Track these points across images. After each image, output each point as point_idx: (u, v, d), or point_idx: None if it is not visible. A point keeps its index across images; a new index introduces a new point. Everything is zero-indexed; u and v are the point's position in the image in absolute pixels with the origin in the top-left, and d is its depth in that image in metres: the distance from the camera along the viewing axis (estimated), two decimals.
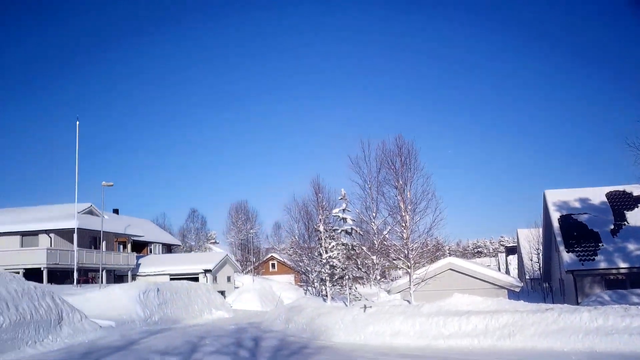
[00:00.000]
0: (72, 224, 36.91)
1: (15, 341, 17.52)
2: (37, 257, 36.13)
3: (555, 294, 39.72)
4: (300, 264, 47.55)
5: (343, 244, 27.63)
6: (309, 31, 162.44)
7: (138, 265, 48.10)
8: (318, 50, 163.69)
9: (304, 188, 59.24)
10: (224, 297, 45.21)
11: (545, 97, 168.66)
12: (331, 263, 26.41)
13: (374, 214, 37.66)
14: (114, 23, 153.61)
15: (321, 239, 27.50)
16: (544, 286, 46.66)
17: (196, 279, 45.98)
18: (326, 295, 27.83)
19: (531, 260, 53.07)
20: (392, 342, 19.19)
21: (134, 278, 46.51)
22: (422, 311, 20.32)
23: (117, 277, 45.88)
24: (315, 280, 40.62)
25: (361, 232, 37.17)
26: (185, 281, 39.77)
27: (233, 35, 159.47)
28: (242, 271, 61.29)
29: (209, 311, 36.57)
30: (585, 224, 31.96)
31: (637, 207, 32.67)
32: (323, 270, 27.63)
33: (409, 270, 24.23)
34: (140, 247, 56.29)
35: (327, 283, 27.41)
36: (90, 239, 41.59)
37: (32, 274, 33.34)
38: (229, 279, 52.29)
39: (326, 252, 26.87)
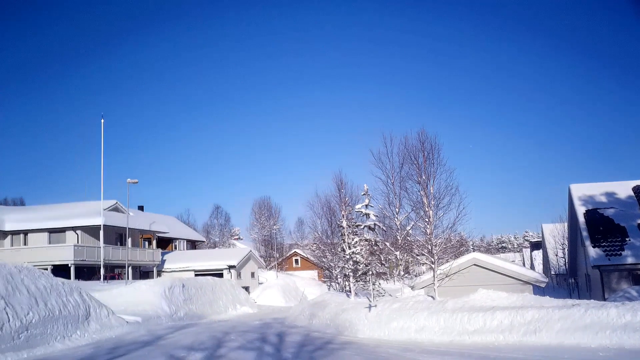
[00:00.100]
0: (99, 220, 37.43)
1: (44, 336, 17.84)
2: (65, 253, 36.71)
3: (581, 290, 39.27)
4: (324, 259, 47.64)
5: (366, 240, 27.52)
6: (330, 26, 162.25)
7: (163, 261, 48.60)
8: (339, 46, 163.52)
9: (326, 184, 59.34)
10: (248, 292, 45.48)
11: (571, 91, 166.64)
12: (354, 259, 26.38)
13: (396, 210, 37.52)
14: (143, 18, 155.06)
15: (344, 235, 27.49)
16: (569, 282, 46.16)
17: (220, 275, 46.31)
18: (350, 291, 27.85)
19: (556, 255, 52.54)
20: (417, 338, 19.18)
21: (159, 274, 47.03)
22: (446, 307, 20.26)
23: (143, 273, 46.41)
24: (338, 276, 40.67)
25: (384, 228, 37.05)
26: (209, 277, 40.09)
27: (257, 30, 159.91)
28: (266, 267, 61.58)
29: (233, 307, 36.84)
30: (611, 219, 31.53)
31: None
32: (346, 265, 27.63)
33: (433, 265, 24.15)
34: (165, 243, 56.88)
35: (351, 279, 27.40)
36: (116, 236, 42.11)
37: (60, 270, 33.92)
38: (252, 274, 52.59)
39: (349, 247, 26.84)
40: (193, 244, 63.86)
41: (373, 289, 25.56)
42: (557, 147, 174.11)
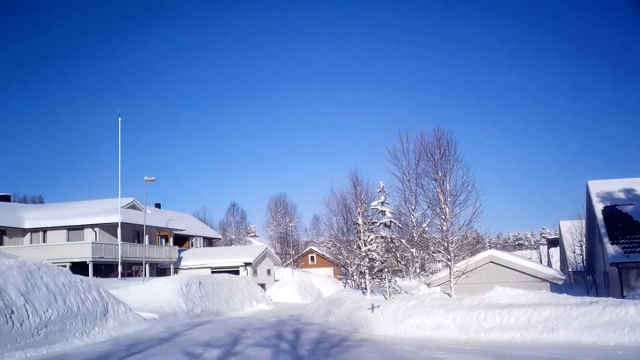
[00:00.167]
0: (116, 218, 37.73)
1: (63, 333, 18.05)
2: (83, 251, 37.06)
3: (599, 287, 38.92)
4: (339, 257, 47.66)
5: (382, 237, 27.54)
6: (344, 23, 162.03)
7: (180, 258, 48.88)
8: (353, 43, 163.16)
9: (342, 181, 59.28)
10: (264, 289, 45.63)
11: (588, 86, 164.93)
12: (370, 256, 26.37)
13: (412, 207, 37.45)
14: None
15: (360, 232, 27.48)
16: (587, 279, 45.74)
17: (237, 272, 46.49)
18: (365, 288, 27.85)
19: (574, 252, 52.08)
20: (433, 335, 19.14)
21: (176, 271, 47.32)
22: (462, 304, 20.20)
23: (160, 270, 46.72)
24: (354, 273, 40.65)
25: (400, 225, 37.03)
26: (226, 274, 40.29)
27: (276, 27, 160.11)
28: (282, 264, 61.75)
29: (249, 304, 36.99)
30: (630, 215, 31.18)
31: None
32: (362, 263, 27.62)
33: (449, 263, 24.07)
34: (181, 240, 57.21)
35: (367, 276, 27.40)
36: (134, 233, 42.43)
37: (78, 268, 34.21)
38: (268, 271, 52.74)
39: (365, 245, 26.83)
40: (209, 241, 64.19)
41: (389, 287, 25.55)
42: (575, 143, 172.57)
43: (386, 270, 26.18)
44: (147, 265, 40.15)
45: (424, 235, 34.32)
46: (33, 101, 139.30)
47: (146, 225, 38.70)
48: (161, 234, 48.63)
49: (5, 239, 38.68)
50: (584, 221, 41.79)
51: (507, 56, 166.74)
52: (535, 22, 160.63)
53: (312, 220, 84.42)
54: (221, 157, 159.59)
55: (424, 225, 35.31)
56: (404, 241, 35.12)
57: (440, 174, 25.12)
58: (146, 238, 40.97)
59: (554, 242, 79.30)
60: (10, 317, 16.00)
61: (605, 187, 34.28)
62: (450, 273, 24.05)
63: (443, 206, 24.69)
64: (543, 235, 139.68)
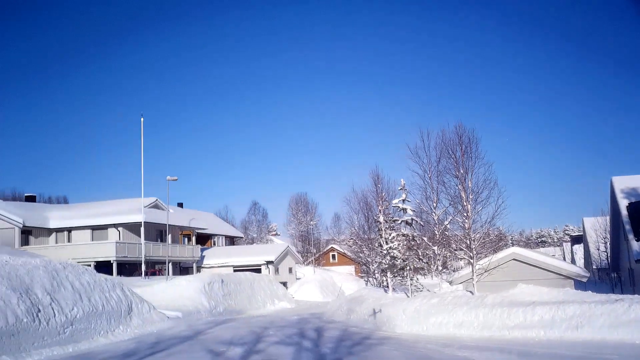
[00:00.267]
0: (139, 217, 38.10)
1: (88, 331, 18.29)
2: (107, 250, 37.49)
3: (624, 284, 38.43)
4: (361, 255, 47.62)
5: (403, 235, 27.41)
6: (365, 20, 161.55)
7: (202, 257, 49.22)
8: (373, 40, 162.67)
9: (363, 179, 59.19)
10: (286, 288, 45.78)
11: (611, 81, 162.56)
12: (392, 254, 26.31)
13: (434, 204, 37.33)
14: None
15: (381, 230, 27.44)
16: (612, 276, 45.18)
17: (258, 271, 46.69)
18: (387, 286, 27.82)
19: (598, 249, 51.44)
20: (456, 333, 19.07)
21: (198, 270, 47.65)
22: (485, 302, 20.09)
23: (183, 269, 47.09)
24: (376, 271, 40.62)
25: (422, 223, 36.86)
26: (248, 272, 40.51)
27: (295, 25, 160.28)
28: (303, 262, 61.85)
29: (271, 302, 37.14)
30: None
31: None
32: (384, 261, 27.57)
33: (471, 260, 23.95)
34: (204, 239, 57.62)
35: (388, 274, 27.37)
36: (157, 232, 42.81)
37: (103, 267, 34.64)
38: (290, 270, 52.88)
39: (386, 243, 26.79)
40: (231, 240, 64.55)
41: (411, 284, 25.50)
42: (599, 139, 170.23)
43: (408, 268, 26.12)
44: (170, 264, 40.51)
45: (446, 232, 34.21)
46: (54, 102, 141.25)
47: (169, 225, 39.04)
48: (184, 233, 49.01)
49: (31, 238, 39.26)
50: (608, 217, 41.29)
51: (530, 52, 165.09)
52: (556, 21, 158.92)
53: (333, 218, 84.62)
54: (243, 156, 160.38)
55: (446, 222, 35.18)
56: (425, 239, 35.00)
57: (461, 171, 25.03)
58: (169, 237, 41.32)
59: (577, 239, 78.45)
60: (37, 315, 16.25)
61: (630, 183, 33.82)
62: (472, 271, 23.95)
63: (465, 203, 24.59)
64: (566, 232, 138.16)
